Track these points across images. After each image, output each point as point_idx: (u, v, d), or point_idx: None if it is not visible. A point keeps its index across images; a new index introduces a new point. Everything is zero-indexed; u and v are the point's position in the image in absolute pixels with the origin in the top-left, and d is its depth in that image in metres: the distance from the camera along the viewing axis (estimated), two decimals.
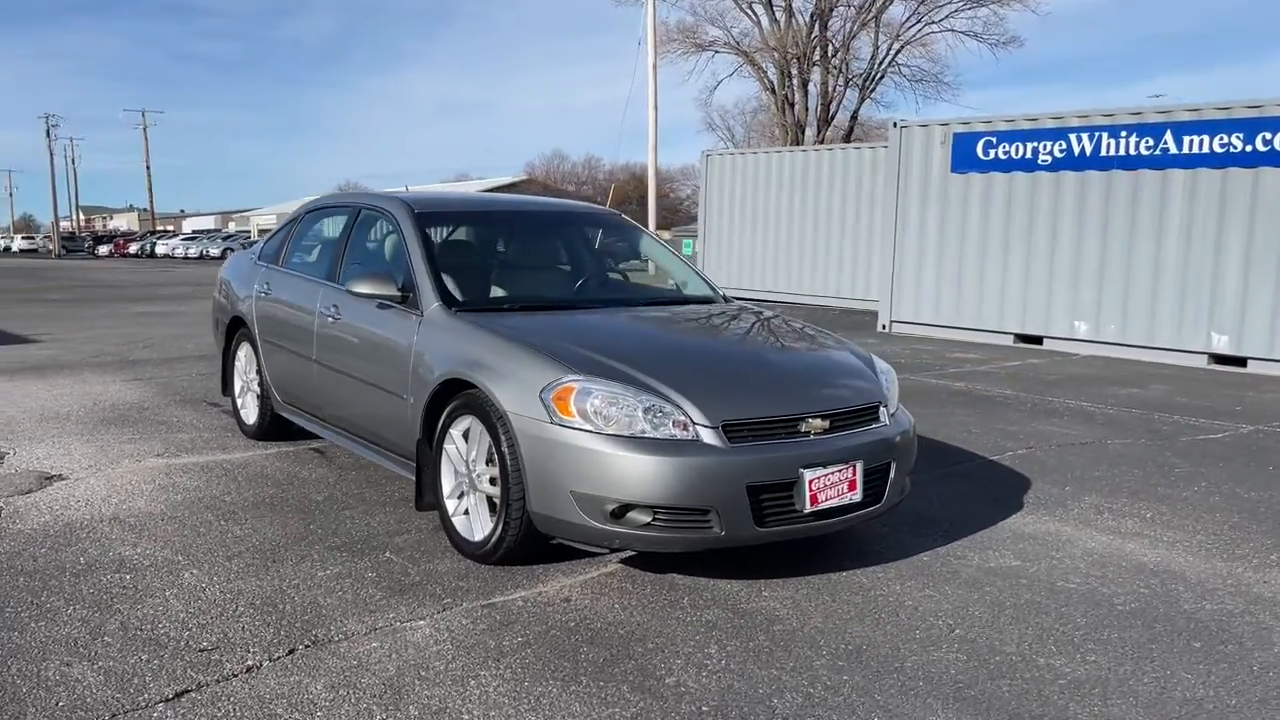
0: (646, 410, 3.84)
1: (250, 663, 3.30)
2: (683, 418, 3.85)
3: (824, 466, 3.94)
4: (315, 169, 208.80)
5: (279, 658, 3.35)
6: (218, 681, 3.17)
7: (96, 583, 4.01)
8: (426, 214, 5.32)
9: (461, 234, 5.79)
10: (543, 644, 3.48)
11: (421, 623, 3.66)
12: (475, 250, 5.66)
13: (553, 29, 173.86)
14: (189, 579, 4.07)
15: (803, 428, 4.00)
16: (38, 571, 4.13)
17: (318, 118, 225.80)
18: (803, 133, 43.84)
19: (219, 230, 76.40)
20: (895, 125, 14.73)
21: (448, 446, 4.38)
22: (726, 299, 5.68)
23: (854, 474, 4.03)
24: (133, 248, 65.37)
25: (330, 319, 5.44)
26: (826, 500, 3.95)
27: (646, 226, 18.68)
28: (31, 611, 3.70)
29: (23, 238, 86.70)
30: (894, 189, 14.58)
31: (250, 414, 6.64)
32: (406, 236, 5.11)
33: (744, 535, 3.86)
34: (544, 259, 5.86)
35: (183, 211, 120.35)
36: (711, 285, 5.79)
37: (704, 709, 3.03)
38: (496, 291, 5.10)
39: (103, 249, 67.23)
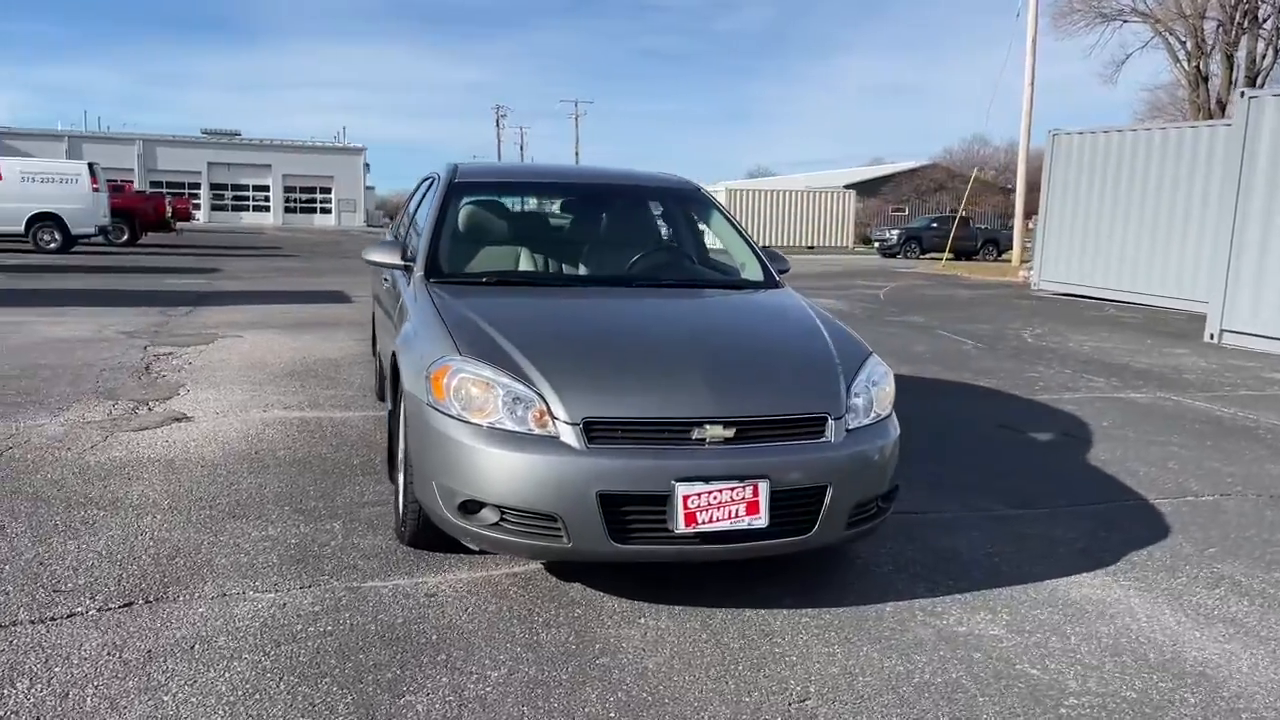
0: (508, 399, 3.46)
1: (79, 609, 3.40)
2: (542, 410, 3.43)
3: (707, 482, 3.33)
4: (733, 155, 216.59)
5: (109, 609, 3.42)
6: (31, 623, 3.30)
7: (65, 514, 4.34)
8: (463, 182, 5.22)
9: (495, 204, 5.61)
10: (350, 636, 3.27)
11: (269, 595, 3.58)
12: (500, 222, 5.44)
13: (988, 8, 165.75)
14: (146, 523, 4.29)
15: (695, 434, 3.41)
16: (37, 495, 4.56)
17: (745, 106, 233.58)
18: (1223, 110, 38.29)
19: None
20: (1242, 95, 12.34)
21: (399, 421, 4.27)
22: (777, 285, 5.03)
23: (755, 495, 3.37)
24: None
25: (385, 284, 5.54)
26: (712, 522, 3.34)
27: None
28: None
29: None
30: (1234, 169, 12.23)
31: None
32: (431, 204, 5.06)
33: (598, 550, 3.37)
34: (576, 233, 5.52)
35: None
36: (769, 269, 5.13)
37: None
38: (485, 265, 4.85)
39: None
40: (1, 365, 7.89)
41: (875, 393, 3.86)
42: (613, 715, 2.86)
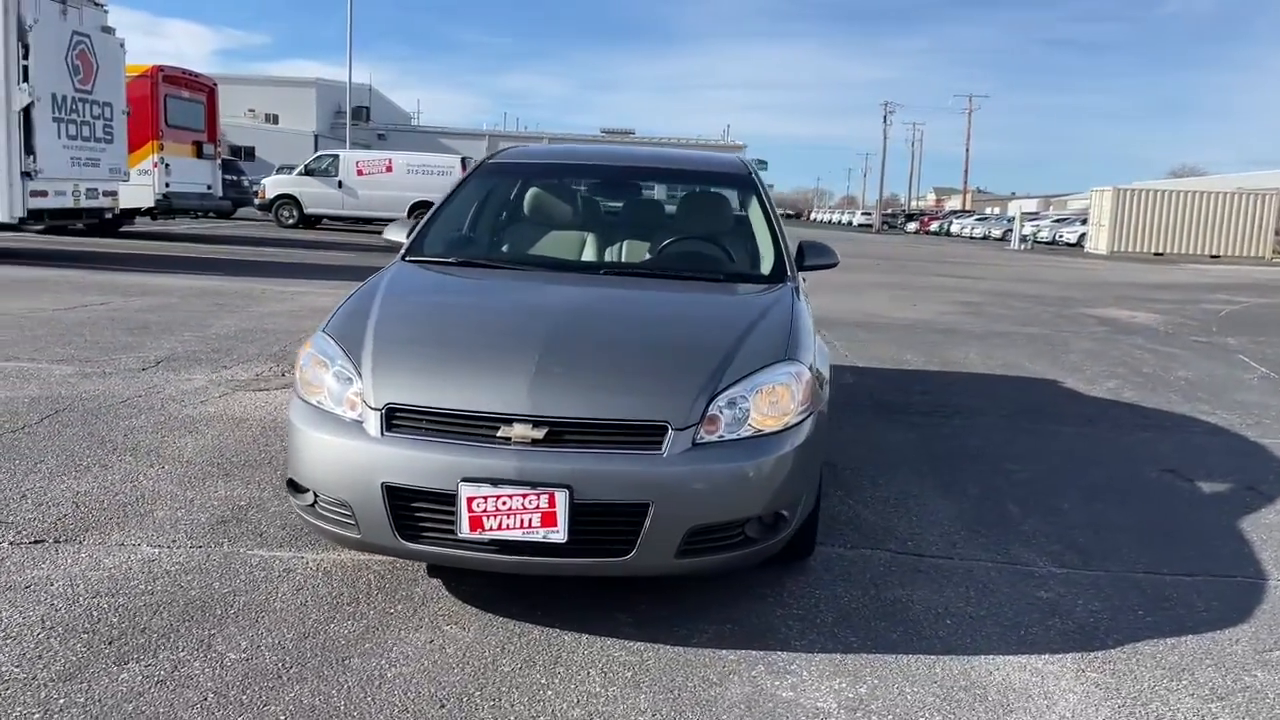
0: (336, 380, 3.35)
1: None
2: (356, 394, 3.28)
3: (495, 485, 3.01)
4: (1153, 152, 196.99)
5: (19, 544, 3.75)
6: None
7: (96, 457, 4.81)
8: (497, 164, 5.18)
9: (523, 186, 5.33)
10: (167, 596, 3.34)
11: (153, 550, 3.74)
12: (514, 205, 5.24)
13: None
14: (146, 473, 4.65)
15: (502, 431, 3.10)
16: (99, 439, 5.09)
17: (1177, 98, 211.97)
18: None
19: (1038, 213, 75.90)
20: None
21: None
22: (784, 281, 4.47)
23: (551, 505, 3.00)
24: (934, 225, 69.52)
25: None
26: (502, 529, 3.01)
27: None
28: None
29: (861, 213, 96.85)
30: None
31: None
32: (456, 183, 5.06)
33: (386, 545, 3.17)
34: (589, 217, 5.19)
35: (1013, 194, 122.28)
36: (783, 264, 4.58)
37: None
38: (467, 248, 4.73)
39: (910, 226, 72.97)
40: (239, 326, 8.97)
41: (756, 401, 3.29)
42: (294, 715, 2.68)
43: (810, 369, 3.59)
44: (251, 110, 56.20)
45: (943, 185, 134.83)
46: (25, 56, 13.65)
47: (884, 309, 13.86)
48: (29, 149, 13.75)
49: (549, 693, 2.87)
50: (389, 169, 27.48)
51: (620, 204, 5.39)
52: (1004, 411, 7.18)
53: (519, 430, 3.09)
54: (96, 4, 15.72)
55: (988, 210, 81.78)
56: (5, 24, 13.42)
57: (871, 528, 4.42)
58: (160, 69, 20.44)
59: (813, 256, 4.76)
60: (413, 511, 3.12)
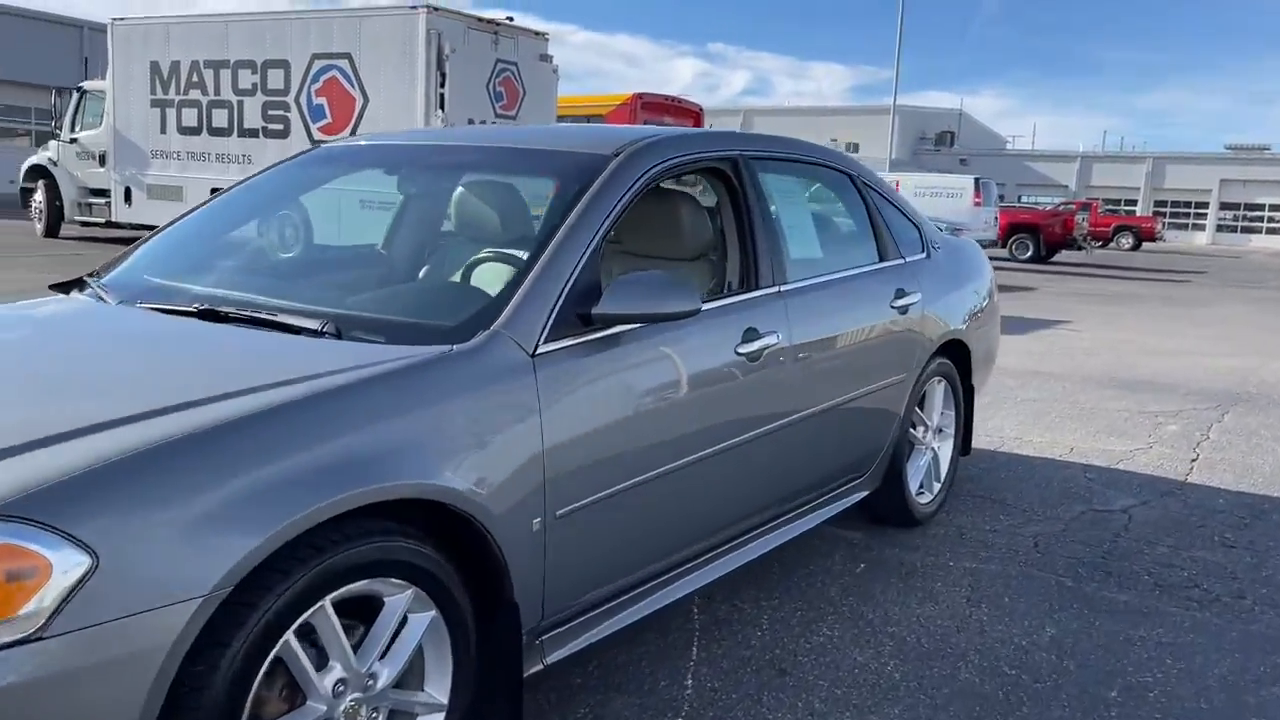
0: None
1: None
2: None
3: None
4: None
5: None
6: None
7: None
8: None
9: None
10: None
11: None
12: None
13: None
14: None
15: None
16: None
17: None
18: None
19: None
20: None
21: None
22: None
23: None
24: None
25: None
26: None
27: None
28: None
29: None
30: None
31: None
32: None
33: None
34: None
35: None
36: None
37: None
38: None
39: None
40: None
41: None
42: None
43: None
44: (834, 140, 57.06)
45: None
46: (442, 85, 14.33)
47: None
48: None
49: None
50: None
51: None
52: None
53: None
54: (537, 33, 16.16)
55: None
56: (427, 56, 14.21)
57: None
58: (639, 96, 20.78)
59: None
60: None
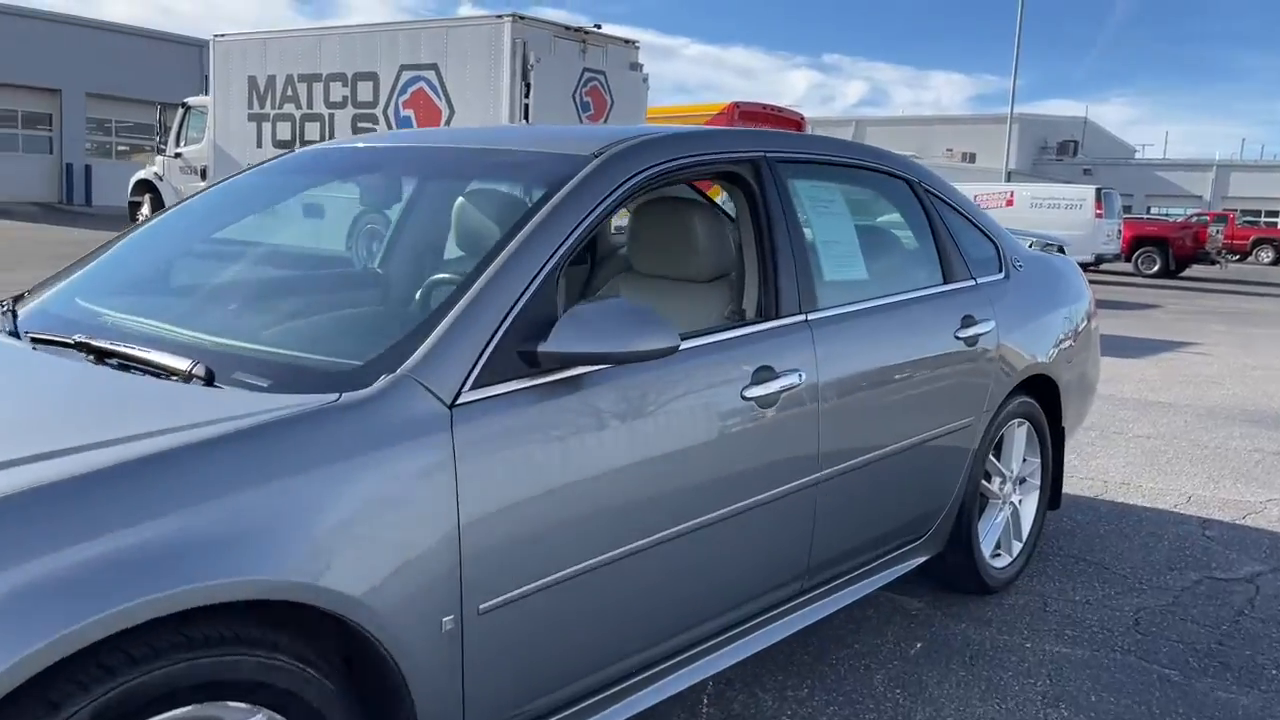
0: None
1: None
2: None
3: None
4: None
5: None
6: None
7: None
8: None
9: None
10: None
11: None
12: None
13: None
14: None
15: None
16: None
17: None
18: None
19: None
20: None
21: None
22: None
23: None
24: None
25: None
26: None
27: None
28: None
29: None
30: None
31: None
32: None
33: None
34: None
35: None
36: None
37: None
38: None
39: None
40: None
41: None
42: None
43: None
44: (949, 150, 55.37)
45: None
46: (527, 95, 14.01)
47: None
48: None
49: None
50: (1009, 203, 24.30)
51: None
52: None
53: None
54: (627, 42, 15.72)
55: None
56: (512, 66, 13.91)
57: None
58: (737, 105, 20.13)
59: None
60: None
